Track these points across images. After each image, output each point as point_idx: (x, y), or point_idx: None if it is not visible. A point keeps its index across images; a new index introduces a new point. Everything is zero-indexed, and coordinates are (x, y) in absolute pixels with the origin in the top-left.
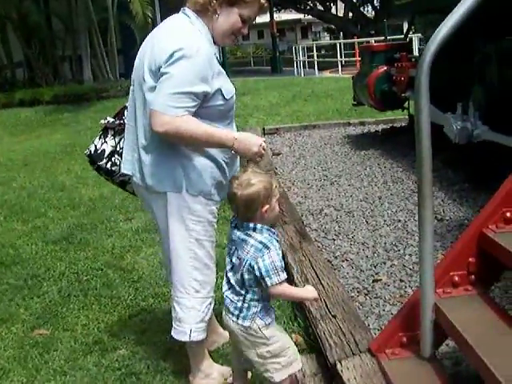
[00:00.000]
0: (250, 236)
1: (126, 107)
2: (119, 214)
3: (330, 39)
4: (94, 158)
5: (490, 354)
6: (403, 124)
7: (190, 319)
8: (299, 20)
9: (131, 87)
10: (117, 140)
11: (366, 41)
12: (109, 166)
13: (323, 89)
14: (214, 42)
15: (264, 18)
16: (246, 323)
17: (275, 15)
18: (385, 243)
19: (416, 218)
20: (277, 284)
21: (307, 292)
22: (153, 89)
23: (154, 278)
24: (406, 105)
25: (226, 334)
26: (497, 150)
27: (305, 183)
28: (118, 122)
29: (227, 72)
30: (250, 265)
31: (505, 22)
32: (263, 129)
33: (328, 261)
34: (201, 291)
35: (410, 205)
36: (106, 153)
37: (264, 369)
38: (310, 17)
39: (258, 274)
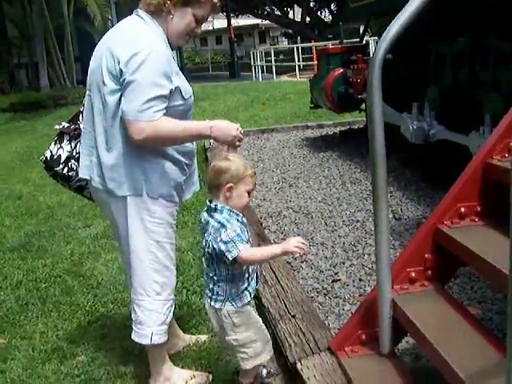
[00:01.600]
0: (211, 217)
1: (80, 112)
2: (78, 221)
3: (288, 44)
4: (51, 164)
5: (449, 350)
6: (361, 126)
7: (151, 322)
8: (257, 25)
9: (87, 92)
10: (73, 145)
11: (323, 45)
12: (65, 171)
13: (281, 93)
14: (169, 44)
15: (222, 24)
16: (217, 305)
17: (233, 21)
18: (343, 243)
19: None
20: (238, 255)
21: (281, 246)
22: (114, 92)
23: (114, 283)
24: (363, 106)
25: (186, 337)
26: (453, 148)
27: (263, 186)
28: (73, 126)
29: (185, 78)
30: (212, 246)
31: (457, 24)
32: None
33: (287, 262)
34: (162, 293)
35: (368, 205)
36: (63, 158)
37: (234, 354)
38: (267, 22)
39: (218, 252)
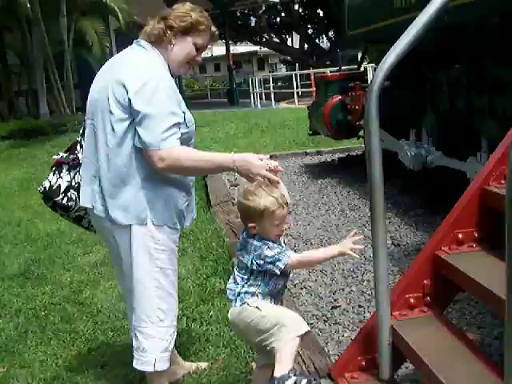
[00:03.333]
0: (251, 237)
1: (78, 142)
2: (77, 248)
3: (287, 71)
4: (50, 195)
5: (449, 377)
6: (359, 152)
7: (154, 349)
8: (255, 52)
9: (88, 121)
10: (72, 174)
11: (321, 71)
12: (65, 201)
13: (280, 120)
14: (170, 73)
15: (220, 51)
16: (238, 303)
17: (231, 48)
18: (343, 270)
19: None
20: (288, 262)
21: (333, 249)
22: (122, 120)
23: (113, 311)
24: (361, 133)
25: (186, 364)
26: (451, 174)
27: None
28: (71, 156)
29: (187, 105)
30: (256, 263)
31: (454, 51)
32: None
33: (287, 289)
34: (165, 320)
35: (367, 231)
36: (62, 188)
37: (273, 339)
38: (266, 49)
39: (268, 266)
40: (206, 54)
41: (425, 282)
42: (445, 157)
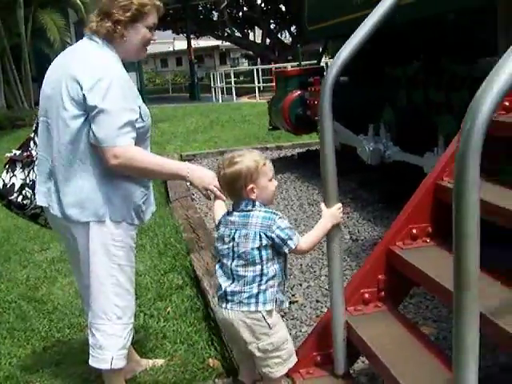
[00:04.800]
0: (251, 210)
1: (31, 138)
2: (34, 245)
3: (249, 65)
4: (4, 193)
5: (401, 371)
6: (319, 147)
7: (111, 346)
8: (217, 46)
9: (41, 118)
10: (26, 172)
11: (282, 66)
12: (20, 199)
13: (240, 114)
14: (124, 66)
15: (182, 45)
16: (252, 307)
17: (193, 42)
18: (301, 265)
19: None
20: (299, 243)
21: (329, 221)
22: (76, 117)
23: (70, 308)
24: None
25: (143, 361)
26: (409, 169)
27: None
28: (25, 154)
29: (145, 99)
30: (265, 236)
31: (412, 47)
32: (180, 155)
33: None
34: (123, 317)
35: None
36: (17, 186)
37: (265, 364)
38: (228, 43)
39: (278, 240)
40: (167, 48)
41: (379, 277)
42: (402, 152)
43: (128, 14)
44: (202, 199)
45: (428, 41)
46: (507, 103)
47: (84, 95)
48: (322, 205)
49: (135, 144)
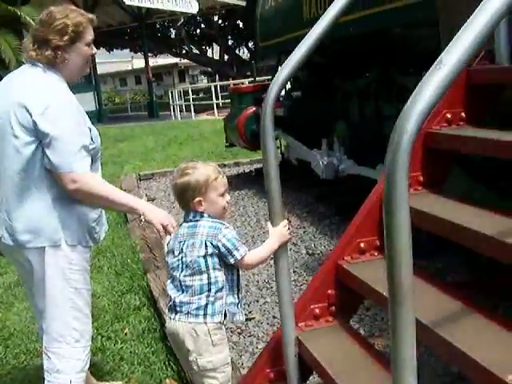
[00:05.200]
0: (199, 221)
1: None
2: None
3: (208, 82)
4: None
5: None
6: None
7: (69, 369)
8: (176, 64)
9: None
10: None
11: (240, 82)
12: None
13: (199, 132)
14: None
15: (141, 64)
16: (199, 319)
17: (152, 60)
18: (257, 281)
19: (288, 254)
20: (245, 255)
21: (276, 240)
22: (28, 143)
23: (26, 333)
24: (277, 143)
25: None
26: (363, 182)
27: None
28: None
29: (104, 119)
30: (211, 244)
31: (361, 61)
32: (138, 175)
33: None
34: (81, 340)
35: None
36: None
37: (200, 382)
38: (186, 61)
39: (223, 250)
40: (126, 66)
41: (329, 292)
42: (356, 165)
43: (66, 38)
44: None
45: (377, 54)
46: (449, 115)
47: (34, 122)
48: (269, 224)
49: None
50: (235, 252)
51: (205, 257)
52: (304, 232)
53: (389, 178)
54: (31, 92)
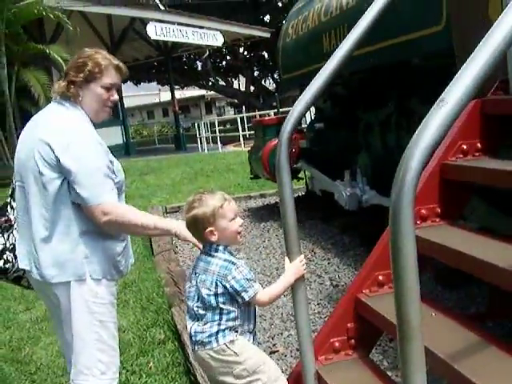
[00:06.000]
0: (212, 256)
1: (7, 203)
2: (19, 305)
3: (234, 113)
4: None
5: None
6: (301, 193)
7: None
8: (203, 96)
9: (17, 183)
10: (6, 237)
11: (266, 113)
12: (1, 263)
13: (225, 164)
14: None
15: (168, 96)
16: (214, 345)
17: (179, 92)
18: (281, 314)
19: (312, 286)
20: (255, 295)
21: (291, 275)
22: (53, 180)
23: (52, 367)
24: (300, 175)
25: None
26: (387, 212)
27: None
28: (3, 218)
29: (131, 152)
30: (221, 284)
31: (382, 92)
32: (165, 208)
33: None
34: (107, 372)
35: (307, 274)
36: None
37: None
38: (213, 92)
39: (231, 290)
40: (154, 99)
41: (348, 325)
42: (379, 195)
43: (81, 75)
44: (184, 252)
45: (397, 84)
46: (465, 146)
47: (58, 159)
48: (286, 259)
49: None
50: (243, 293)
51: (215, 295)
52: (328, 263)
53: (394, 216)
54: (53, 129)
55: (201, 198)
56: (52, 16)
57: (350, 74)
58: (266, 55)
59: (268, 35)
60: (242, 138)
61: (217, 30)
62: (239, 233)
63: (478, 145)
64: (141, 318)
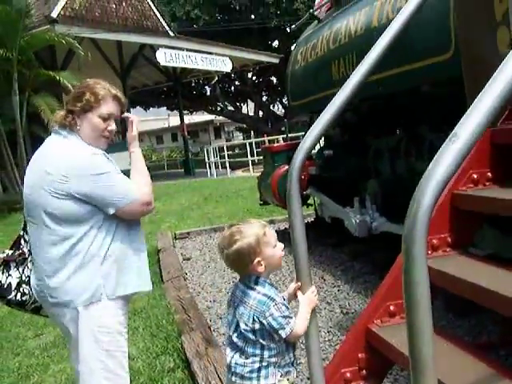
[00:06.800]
0: (251, 288)
1: (21, 236)
2: (28, 331)
3: (243, 138)
4: (2, 293)
5: None
6: (310, 219)
7: None
8: (212, 121)
9: (28, 218)
10: (21, 270)
11: (275, 138)
12: (18, 297)
13: (234, 189)
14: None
15: (177, 121)
16: (254, 382)
17: (188, 117)
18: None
19: (322, 313)
20: (293, 332)
21: (307, 309)
22: (63, 212)
23: None
24: (310, 201)
25: None
26: (398, 239)
27: (214, 287)
28: (17, 252)
29: None
30: (258, 320)
31: (392, 119)
32: (174, 234)
33: None
34: None
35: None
36: (13, 285)
37: None
38: (221, 117)
39: (269, 328)
40: (163, 124)
41: (360, 355)
42: (389, 223)
43: (79, 105)
44: (194, 278)
45: (407, 111)
46: (475, 176)
47: (67, 187)
48: (299, 293)
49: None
50: (281, 331)
51: (253, 331)
52: (338, 290)
53: (407, 251)
54: (57, 160)
55: (240, 230)
56: (64, 42)
57: (359, 101)
58: (274, 80)
59: (276, 61)
60: (250, 163)
61: (226, 55)
62: (282, 256)
63: (489, 174)
64: (150, 346)
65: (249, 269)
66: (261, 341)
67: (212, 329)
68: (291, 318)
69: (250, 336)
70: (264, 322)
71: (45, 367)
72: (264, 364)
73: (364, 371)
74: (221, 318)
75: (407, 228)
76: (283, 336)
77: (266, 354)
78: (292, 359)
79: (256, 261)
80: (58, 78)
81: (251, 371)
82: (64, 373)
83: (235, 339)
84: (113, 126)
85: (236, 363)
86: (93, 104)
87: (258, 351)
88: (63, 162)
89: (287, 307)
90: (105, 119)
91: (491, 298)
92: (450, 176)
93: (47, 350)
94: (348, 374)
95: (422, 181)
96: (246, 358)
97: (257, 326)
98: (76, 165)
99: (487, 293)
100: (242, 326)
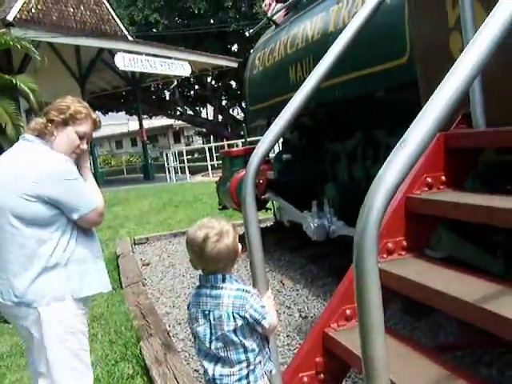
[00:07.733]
0: (221, 288)
1: None
2: None
3: (203, 142)
4: None
5: None
6: (269, 224)
7: None
8: (171, 125)
9: None
10: None
11: (234, 143)
12: None
13: (193, 194)
14: None
15: (136, 126)
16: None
17: (147, 122)
18: None
19: (281, 317)
20: (272, 321)
21: (272, 303)
22: (29, 215)
23: None
24: (268, 205)
25: None
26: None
27: (173, 292)
28: None
29: (99, 182)
30: (239, 316)
31: (348, 123)
32: (133, 239)
33: (195, 370)
34: None
35: (275, 304)
36: None
37: None
38: (181, 122)
39: (251, 320)
40: (122, 129)
41: (317, 359)
42: (346, 226)
43: (61, 116)
44: (153, 284)
45: (363, 116)
46: (430, 179)
47: (34, 192)
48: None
49: None
50: (263, 321)
51: (235, 330)
52: (297, 294)
53: (358, 255)
54: (28, 163)
55: (218, 221)
56: (19, 46)
57: (317, 105)
58: (233, 84)
59: (235, 65)
60: (210, 168)
61: (185, 60)
62: None
63: (443, 178)
64: (109, 353)
65: (226, 266)
66: (244, 342)
67: (171, 334)
68: (265, 307)
69: (234, 338)
70: (246, 315)
71: (1, 377)
72: (251, 368)
73: (322, 375)
74: (180, 324)
75: (358, 232)
76: (266, 326)
77: (251, 356)
78: (269, 354)
79: (239, 251)
80: (14, 81)
81: (240, 379)
82: (21, 382)
83: (214, 350)
84: (85, 146)
85: (221, 374)
86: (75, 119)
87: (242, 356)
88: (36, 167)
89: (260, 298)
90: (80, 137)
91: (442, 299)
92: (401, 180)
93: (3, 360)
94: (306, 379)
95: (373, 185)
96: (232, 367)
97: (238, 322)
98: (51, 169)
99: (438, 294)
100: (224, 328)
